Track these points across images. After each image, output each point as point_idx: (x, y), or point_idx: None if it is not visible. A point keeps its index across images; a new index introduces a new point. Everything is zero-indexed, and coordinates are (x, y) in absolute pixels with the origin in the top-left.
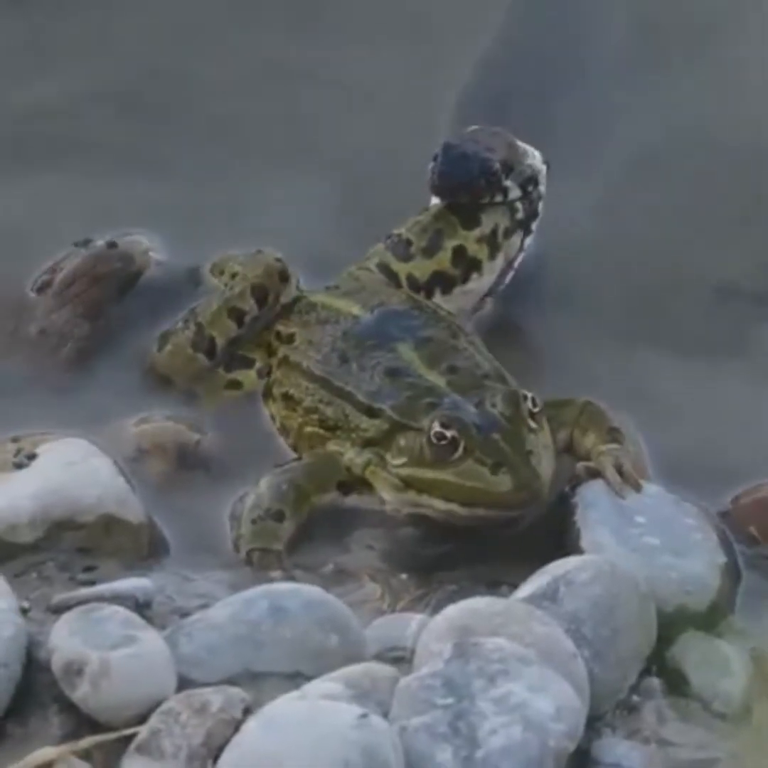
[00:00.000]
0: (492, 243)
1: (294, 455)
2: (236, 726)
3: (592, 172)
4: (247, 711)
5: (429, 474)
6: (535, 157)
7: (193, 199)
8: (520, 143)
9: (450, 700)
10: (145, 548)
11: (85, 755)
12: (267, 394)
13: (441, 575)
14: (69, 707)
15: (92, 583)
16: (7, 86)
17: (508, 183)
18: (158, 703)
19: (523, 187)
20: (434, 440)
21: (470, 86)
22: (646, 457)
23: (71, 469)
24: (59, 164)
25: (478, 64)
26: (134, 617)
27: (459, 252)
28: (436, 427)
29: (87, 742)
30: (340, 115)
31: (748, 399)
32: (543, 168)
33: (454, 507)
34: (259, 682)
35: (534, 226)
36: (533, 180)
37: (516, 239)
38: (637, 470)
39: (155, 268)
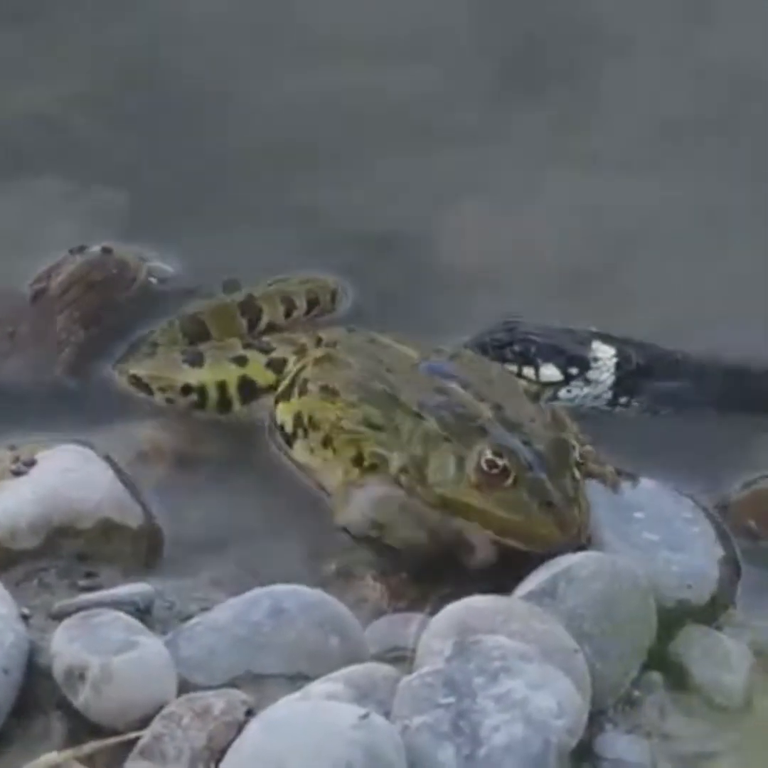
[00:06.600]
0: None
1: (320, 450)
2: (238, 728)
3: None
4: (249, 713)
5: (470, 499)
6: (594, 349)
7: (191, 205)
8: (581, 331)
9: (451, 699)
10: (144, 553)
11: (88, 760)
12: (288, 393)
13: (440, 574)
14: (71, 713)
15: (93, 589)
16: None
17: (540, 361)
18: (160, 707)
19: (565, 371)
20: (484, 467)
21: None
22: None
23: (70, 475)
24: (53, 170)
25: None
26: (135, 622)
27: None
28: (488, 454)
29: (90, 747)
30: None
31: None
32: (600, 356)
33: (488, 535)
34: (261, 684)
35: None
36: (581, 365)
37: None
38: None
39: (151, 274)
